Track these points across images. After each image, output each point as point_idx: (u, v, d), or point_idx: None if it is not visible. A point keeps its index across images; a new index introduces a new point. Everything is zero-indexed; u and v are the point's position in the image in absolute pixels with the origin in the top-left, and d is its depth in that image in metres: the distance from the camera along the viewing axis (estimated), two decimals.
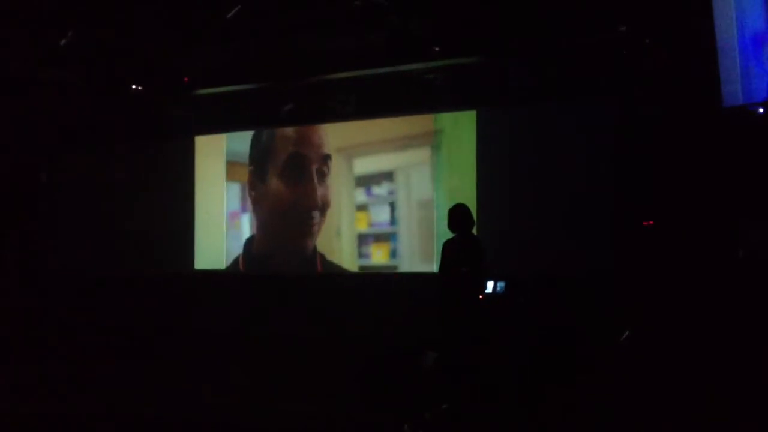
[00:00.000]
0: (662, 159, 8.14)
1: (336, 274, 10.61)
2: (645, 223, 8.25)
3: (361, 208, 10.60)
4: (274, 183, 11.21)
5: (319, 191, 10.80)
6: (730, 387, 6.29)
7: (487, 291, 7.91)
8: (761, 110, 7.06)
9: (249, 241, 11.44)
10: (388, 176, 10.42)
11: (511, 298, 8.22)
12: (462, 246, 6.92)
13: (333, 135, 10.77)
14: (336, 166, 10.72)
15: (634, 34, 8.26)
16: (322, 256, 10.78)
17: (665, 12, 7.89)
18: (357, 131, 10.69)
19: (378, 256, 10.46)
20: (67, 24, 9.14)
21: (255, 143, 11.47)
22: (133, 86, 10.89)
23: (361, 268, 10.53)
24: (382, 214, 10.46)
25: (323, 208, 10.79)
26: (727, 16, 6.90)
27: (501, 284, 8.23)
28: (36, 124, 11.85)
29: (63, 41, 9.21)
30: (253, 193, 11.45)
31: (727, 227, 7.68)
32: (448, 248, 7.01)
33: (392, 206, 10.39)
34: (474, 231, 7.24)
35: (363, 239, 10.58)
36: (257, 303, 10.51)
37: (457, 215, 6.97)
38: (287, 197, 11.08)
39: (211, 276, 11.47)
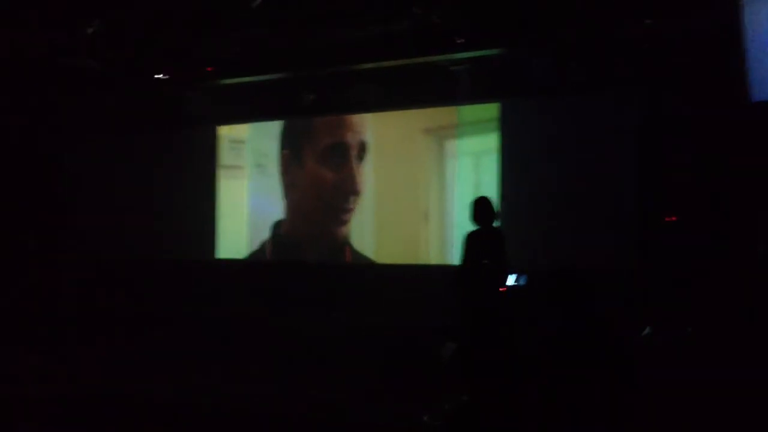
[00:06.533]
0: (687, 153, 8.12)
1: (361, 264, 10.66)
2: (668, 219, 8.22)
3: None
4: (313, 168, 11.28)
5: (357, 177, 10.88)
6: (752, 385, 6.26)
7: (508, 284, 7.89)
8: None
9: (277, 226, 11.49)
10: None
11: (532, 290, 8.19)
12: (484, 238, 6.89)
13: (419, 116, 10.52)
14: (424, 146, 10.46)
15: (660, 27, 8.22)
16: (351, 246, 10.84)
17: (693, 5, 7.86)
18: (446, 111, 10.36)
19: None
20: (92, 11, 9.10)
21: (289, 128, 11.53)
22: (157, 75, 10.87)
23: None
24: None
25: (358, 192, 10.88)
26: (757, 9, 6.87)
27: (523, 277, 8.21)
28: (60, 111, 11.84)
29: (90, 30, 9.18)
30: (287, 177, 11.50)
31: (752, 222, 7.65)
32: (470, 240, 6.97)
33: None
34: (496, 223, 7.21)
35: None
36: (281, 291, 10.55)
37: (480, 207, 6.94)
38: (327, 183, 11.14)
39: (233, 264, 11.54)
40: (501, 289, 7.05)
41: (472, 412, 6.19)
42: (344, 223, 10.96)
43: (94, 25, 9.18)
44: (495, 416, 6.13)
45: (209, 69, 10.63)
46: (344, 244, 10.93)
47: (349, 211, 10.93)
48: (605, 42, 8.66)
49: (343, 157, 11.03)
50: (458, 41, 9.08)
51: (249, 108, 11.36)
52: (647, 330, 7.50)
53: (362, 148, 10.85)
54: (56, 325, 9.80)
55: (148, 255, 11.77)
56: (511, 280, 8.08)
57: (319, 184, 11.22)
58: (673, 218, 8.23)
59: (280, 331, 9.39)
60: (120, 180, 12.18)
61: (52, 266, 11.67)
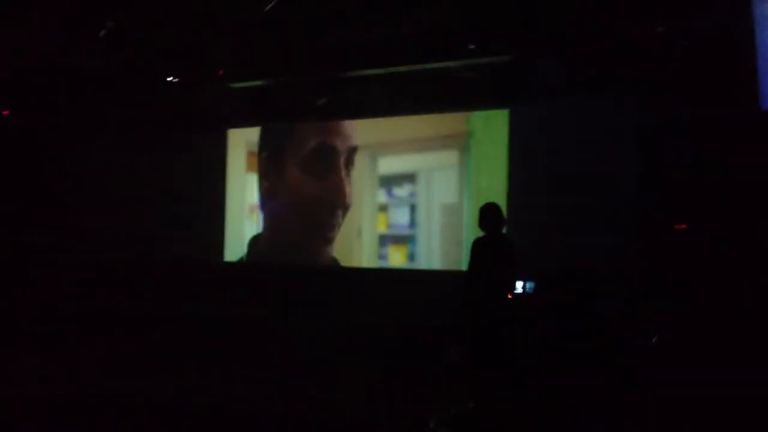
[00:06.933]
0: (689, 155, 8.06)
1: (358, 268, 10.57)
2: (678, 227, 8.15)
3: (381, 208, 10.53)
4: (295, 175, 11.02)
5: (346, 187, 10.65)
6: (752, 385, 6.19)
7: (516, 291, 7.84)
8: None
9: (254, 241, 11.30)
10: (411, 177, 10.32)
11: (540, 297, 8.13)
12: (491, 245, 6.82)
13: (358, 131, 10.69)
14: (360, 163, 10.62)
15: (670, 31, 8.17)
16: (337, 259, 10.71)
17: (702, 8, 7.78)
18: (383, 129, 10.59)
19: (396, 259, 10.38)
20: (103, 13, 9.10)
21: (267, 128, 11.37)
22: (168, 78, 10.84)
23: None
24: (404, 216, 10.37)
25: (347, 206, 10.66)
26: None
27: (530, 284, 8.15)
28: (63, 111, 11.84)
29: (102, 32, 9.17)
30: (266, 184, 11.30)
31: (754, 225, 7.57)
32: (477, 247, 6.90)
33: (413, 208, 10.33)
34: (504, 230, 7.15)
35: (381, 240, 10.52)
36: (281, 291, 10.50)
37: (488, 213, 6.87)
38: (310, 192, 10.87)
39: (234, 265, 11.50)
40: (509, 296, 6.97)
41: (478, 418, 6.14)
42: (329, 241, 10.75)
43: (107, 27, 9.17)
44: (499, 419, 6.09)
45: (221, 72, 10.57)
46: (329, 262, 10.74)
47: (334, 227, 10.69)
48: (609, 43, 8.59)
49: (329, 164, 10.79)
50: (470, 47, 9.02)
51: (258, 111, 11.31)
52: (655, 338, 7.44)
53: (352, 155, 10.68)
54: (56, 325, 9.78)
55: (147, 255, 11.73)
56: (518, 286, 8.06)
57: (301, 194, 10.93)
58: (683, 226, 8.15)
59: (279, 331, 9.38)
60: (125, 181, 12.15)
61: (53, 266, 11.65)
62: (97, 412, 6.50)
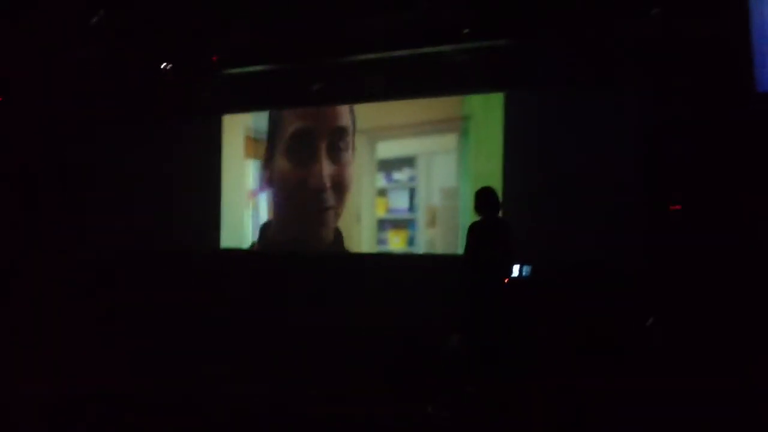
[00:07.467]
0: (694, 145, 7.98)
1: (357, 254, 10.52)
2: (672, 208, 8.11)
3: (381, 193, 10.45)
4: (282, 161, 11.04)
5: (334, 170, 10.64)
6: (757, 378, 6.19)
7: (513, 275, 7.83)
8: None
9: (265, 227, 11.31)
10: (409, 161, 10.24)
11: (537, 282, 8.15)
12: (488, 229, 6.81)
13: (356, 115, 10.59)
14: (358, 147, 10.54)
15: (666, 17, 8.06)
16: (341, 242, 10.67)
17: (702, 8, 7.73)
18: (381, 114, 10.50)
19: (395, 243, 10.35)
20: (97, 2, 9.05)
21: (271, 115, 11.31)
22: (162, 65, 10.79)
23: None
24: (401, 200, 10.30)
25: (339, 189, 10.62)
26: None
27: (527, 268, 8.15)
28: (64, 102, 11.76)
29: (94, 19, 9.10)
30: (267, 172, 11.28)
31: (758, 215, 7.52)
32: (473, 231, 6.89)
33: (412, 192, 10.25)
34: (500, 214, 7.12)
35: (380, 225, 10.46)
36: (278, 284, 10.49)
37: (483, 198, 6.86)
38: (297, 177, 10.88)
39: (232, 254, 11.46)
40: (505, 280, 6.97)
41: (478, 402, 6.17)
42: (333, 225, 10.71)
43: (99, 15, 9.09)
44: (499, 404, 6.13)
45: (214, 58, 10.52)
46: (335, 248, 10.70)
47: (335, 210, 10.67)
48: (611, 35, 8.51)
49: (308, 149, 10.79)
50: (464, 31, 8.96)
51: (254, 97, 11.16)
52: (650, 320, 7.47)
53: (338, 137, 10.63)
54: (56, 325, 9.77)
55: (147, 250, 11.68)
56: (515, 271, 8.05)
57: (286, 180, 10.99)
58: (678, 207, 8.11)
59: (279, 330, 9.39)
60: (120, 172, 12.01)
61: (52, 265, 11.62)
62: (97, 412, 6.51)
